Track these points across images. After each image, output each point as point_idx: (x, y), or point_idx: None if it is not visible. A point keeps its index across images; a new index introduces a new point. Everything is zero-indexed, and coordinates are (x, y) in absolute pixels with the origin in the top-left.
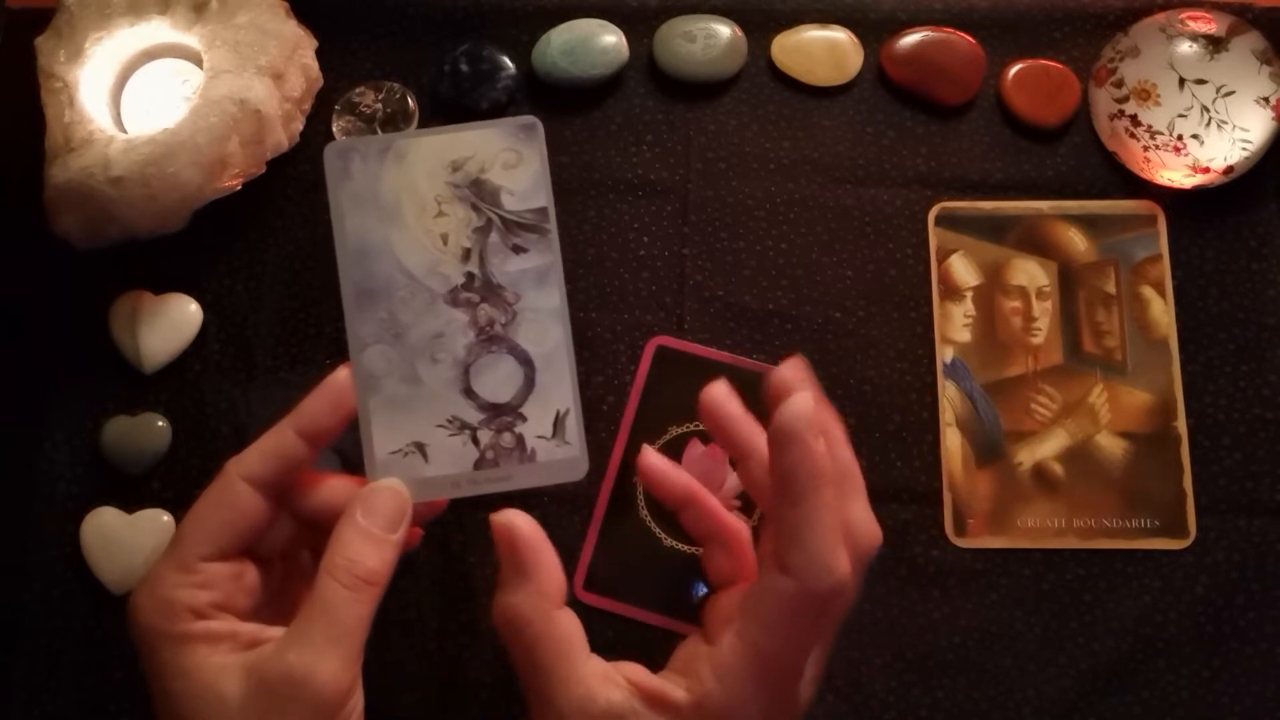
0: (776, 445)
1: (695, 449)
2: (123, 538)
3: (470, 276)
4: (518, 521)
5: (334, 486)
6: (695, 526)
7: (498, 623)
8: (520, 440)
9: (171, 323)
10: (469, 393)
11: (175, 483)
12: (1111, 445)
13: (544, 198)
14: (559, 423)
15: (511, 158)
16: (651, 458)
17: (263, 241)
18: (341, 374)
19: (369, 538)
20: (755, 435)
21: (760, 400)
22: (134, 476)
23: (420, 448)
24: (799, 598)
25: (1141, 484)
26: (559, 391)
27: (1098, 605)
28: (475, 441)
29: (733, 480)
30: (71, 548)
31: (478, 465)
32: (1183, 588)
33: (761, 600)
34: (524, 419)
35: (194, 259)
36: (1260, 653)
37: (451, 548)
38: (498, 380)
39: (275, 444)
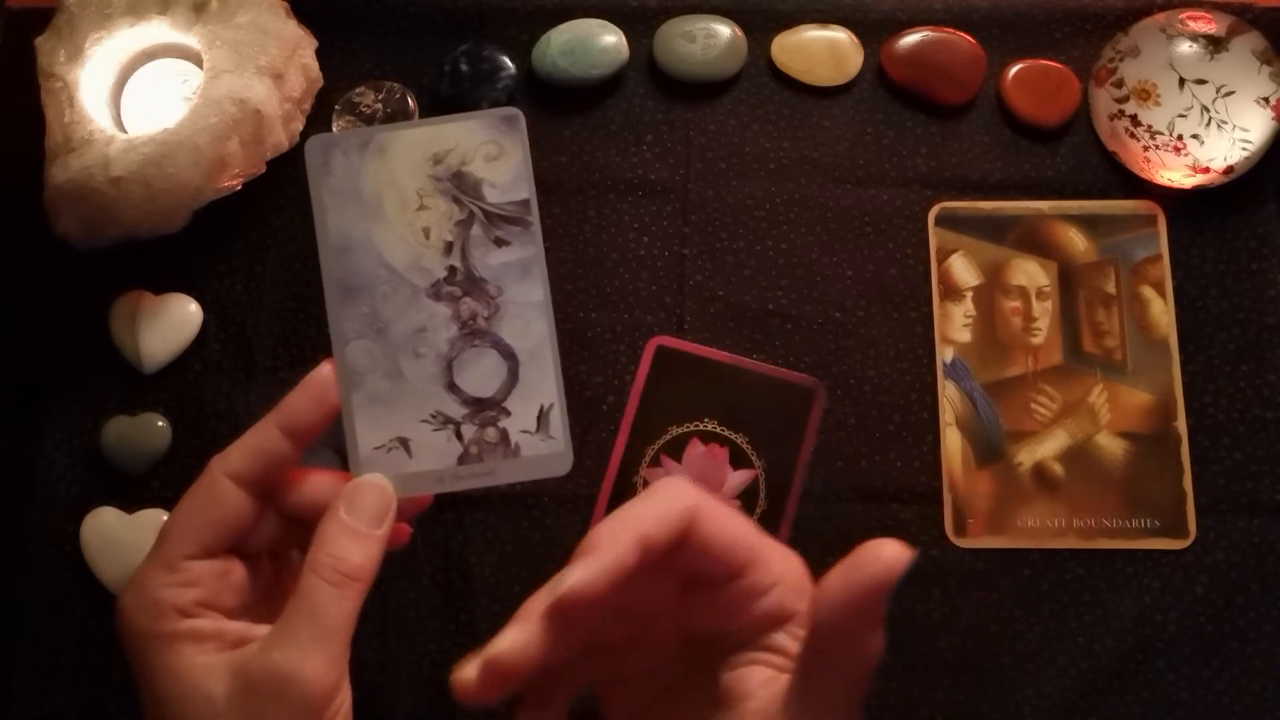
0: None
1: (695, 449)
2: (123, 538)
3: (452, 270)
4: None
5: (318, 483)
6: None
7: None
8: (504, 435)
9: (171, 323)
10: (452, 387)
11: (175, 483)
12: (1111, 445)
13: (526, 190)
14: (543, 417)
15: (493, 150)
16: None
17: (263, 241)
18: (324, 370)
19: (353, 534)
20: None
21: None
22: (134, 476)
23: (404, 443)
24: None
25: (1141, 484)
26: (543, 386)
27: (1098, 605)
28: (459, 436)
29: (733, 480)
30: (71, 548)
31: (461, 460)
32: (1183, 588)
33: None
34: (507, 413)
35: (194, 259)
36: (1260, 653)
37: (451, 547)
38: (481, 374)
39: (259, 441)
